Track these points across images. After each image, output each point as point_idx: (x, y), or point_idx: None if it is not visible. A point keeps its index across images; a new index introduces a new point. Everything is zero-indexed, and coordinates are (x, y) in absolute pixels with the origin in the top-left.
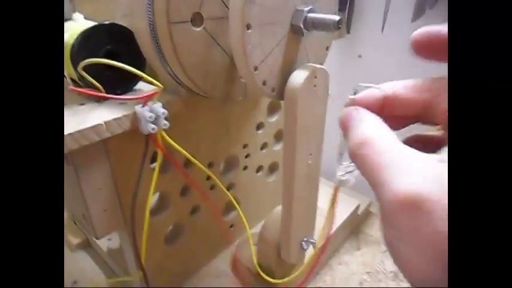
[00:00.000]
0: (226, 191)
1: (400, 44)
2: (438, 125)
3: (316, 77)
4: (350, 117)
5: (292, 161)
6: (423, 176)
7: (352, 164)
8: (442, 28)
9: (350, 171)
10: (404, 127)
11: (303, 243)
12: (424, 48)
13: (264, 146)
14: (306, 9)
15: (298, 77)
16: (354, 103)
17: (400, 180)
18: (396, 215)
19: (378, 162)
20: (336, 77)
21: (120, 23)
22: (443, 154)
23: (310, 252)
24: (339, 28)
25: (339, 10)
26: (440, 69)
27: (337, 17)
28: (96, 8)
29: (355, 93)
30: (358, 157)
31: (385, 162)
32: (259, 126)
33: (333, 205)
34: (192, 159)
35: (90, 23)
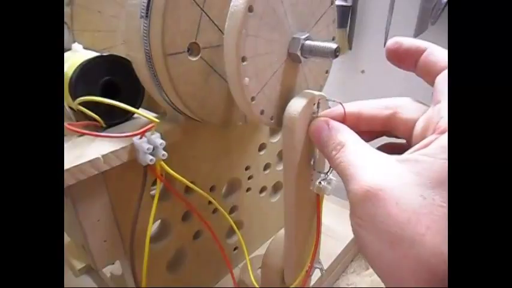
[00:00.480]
0: (226, 215)
1: None
2: (399, 137)
3: (315, 104)
4: (322, 128)
5: (293, 189)
6: (382, 171)
7: (327, 171)
8: (409, 40)
9: (325, 179)
10: (371, 140)
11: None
12: (392, 56)
13: (267, 166)
14: (303, 37)
15: (296, 105)
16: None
17: (364, 175)
18: (359, 204)
19: (349, 161)
20: (339, 93)
21: (120, 51)
22: (403, 156)
23: (317, 276)
24: (337, 56)
25: (340, 26)
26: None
27: (334, 45)
28: (96, 37)
29: (317, 106)
30: (334, 159)
31: (354, 161)
32: (262, 147)
33: (318, 216)
34: (192, 185)
35: (90, 53)
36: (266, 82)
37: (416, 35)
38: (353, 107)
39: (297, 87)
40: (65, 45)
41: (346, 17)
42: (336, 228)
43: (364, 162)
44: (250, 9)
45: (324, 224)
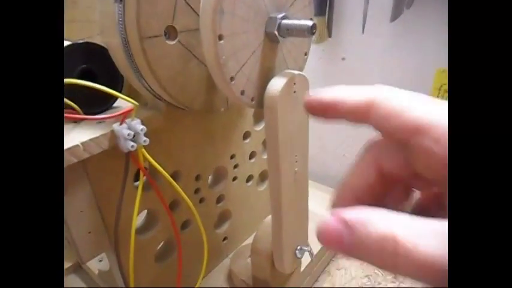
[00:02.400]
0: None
1: (381, 44)
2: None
3: (295, 83)
4: (340, 234)
5: (277, 170)
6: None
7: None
8: (323, 95)
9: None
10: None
11: (297, 251)
12: (310, 109)
13: (252, 155)
14: (280, 16)
15: (276, 84)
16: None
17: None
18: None
19: (419, 259)
20: (321, 80)
21: (97, 41)
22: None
23: (306, 259)
24: (313, 33)
25: (319, 14)
26: (418, 65)
27: (310, 22)
28: (72, 27)
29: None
30: (394, 267)
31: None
32: (246, 136)
33: None
34: (170, 179)
35: (65, 43)
36: (245, 62)
37: (392, 19)
38: (329, 95)
39: (276, 68)
40: None
41: (325, 5)
42: (322, 214)
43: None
44: None
45: (311, 210)
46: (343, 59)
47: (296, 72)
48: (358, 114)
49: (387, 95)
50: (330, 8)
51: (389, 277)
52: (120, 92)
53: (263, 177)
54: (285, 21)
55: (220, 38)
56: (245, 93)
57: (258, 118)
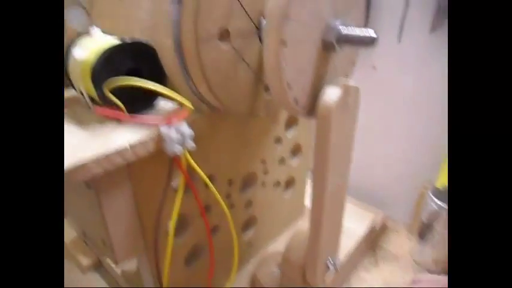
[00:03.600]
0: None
1: (416, 55)
2: None
3: (349, 95)
4: None
5: (323, 181)
6: None
7: None
8: None
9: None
10: None
11: (329, 264)
12: None
13: (281, 161)
14: (338, 23)
15: (332, 94)
16: None
17: None
18: None
19: None
20: None
21: (138, 37)
22: None
23: (331, 273)
24: (375, 44)
25: None
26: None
27: (374, 34)
28: (115, 22)
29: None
30: None
31: None
32: (277, 141)
33: None
34: (209, 183)
35: (109, 39)
36: (302, 70)
37: (432, 30)
38: None
39: (327, 78)
40: (83, 29)
41: None
42: (346, 225)
43: None
44: None
45: None
46: (374, 67)
47: (351, 83)
48: None
49: None
50: (366, 12)
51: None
52: None
53: (288, 184)
54: (345, 31)
55: (283, 44)
56: (298, 102)
57: (289, 124)
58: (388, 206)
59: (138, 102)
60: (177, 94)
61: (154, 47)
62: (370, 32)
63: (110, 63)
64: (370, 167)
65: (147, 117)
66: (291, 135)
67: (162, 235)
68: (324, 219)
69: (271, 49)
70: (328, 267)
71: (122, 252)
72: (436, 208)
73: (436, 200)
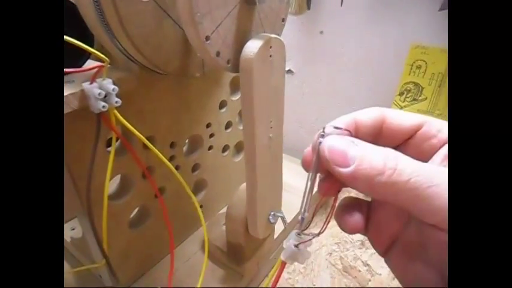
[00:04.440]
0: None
1: (359, 18)
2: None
3: (271, 47)
4: (347, 147)
5: (252, 135)
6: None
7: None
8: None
9: (305, 241)
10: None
11: (270, 217)
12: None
13: (228, 125)
14: None
15: (252, 46)
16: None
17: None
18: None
19: (420, 183)
20: (298, 53)
21: None
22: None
23: (279, 226)
24: None
25: None
26: (394, 40)
27: None
28: None
29: (322, 136)
30: (386, 185)
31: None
32: (222, 105)
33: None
34: (146, 141)
35: None
36: (220, 22)
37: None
38: (348, 118)
39: (253, 32)
40: None
41: None
42: (295, 185)
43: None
44: None
45: (286, 182)
46: (321, 32)
47: (273, 35)
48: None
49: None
50: None
51: (357, 243)
52: (89, 53)
53: (239, 148)
54: None
55: None
56: (221, 55)
57: (234, 88)
58: None
59: (66, 62)
60: (88, 47)
61: (75, 4)
62: None
63: None
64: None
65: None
66: (237, 98)
67: (99, 198)
68: (258, 173)
69: (183, 1)
70: (270, 222)
71: None
72: None
73: None
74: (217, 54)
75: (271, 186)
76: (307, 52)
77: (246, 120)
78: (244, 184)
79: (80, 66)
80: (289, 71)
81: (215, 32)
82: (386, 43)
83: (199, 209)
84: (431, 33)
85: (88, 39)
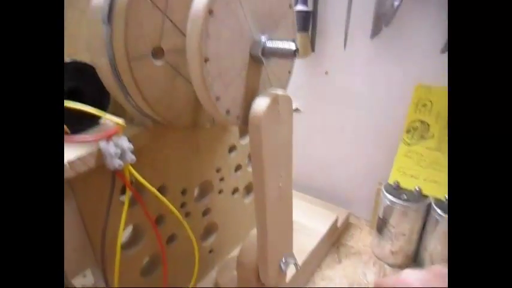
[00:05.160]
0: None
1: (363, 59)
2: None
3: (279, 103)
4: None
5: (262, 186)
6: None
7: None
8: None
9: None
10: None
11: (282, 264)
12: None
13: (238, 167)
14: (264, 38)
15: (261, 104)
16: None
17: None
18: None
19: None
20: (304, 93)
21: (83, 56)
22: None
23: (292, 270)
24: (296, 56)
25: (303, 30)
26: (398, 80)
27: (293, 46)
28: None
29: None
30: None
31: None
32: (232, 149)
33: None
34: (158, 193)
35: None
36: (230, 83)
37: (372, 36)
38: None
39: (261, 87)
40: None
41: (308, 21)
42: (306, 224)
43: None
44: (210, 12)
45: (296, 220)
46: (326, 73)
47: (280, 91)
48: None
49: None
50: (313, 24)
51: (372, 285)
52: (106, 108)
53: (249, 189)
54: (269, 45)
55: (206, 60)
56: (230, 113)
57: (243, 132)
58: (351, 204)
59: (83, 120)
60: (104, 113)
61: (94, 66)
62: (290, 45)
63: None
64: (330, 168)
65: (84, 136)
66: (246, 141)
67: (112, 248)
68: (269, 222)
69: (195, 67)
70: (281, 269)
71: (71, 267)
72: (389, 203)
73: (388, 195)
74: (227, 112)
75: (282, 233)
76: (313, 91)
77: (255, 172)
78: (255, 230)
79: (98, 122)
80: (297, 110)
81: (225, 93)
82: (391, 82)
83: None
84: (435, 74)
85: (105, 96)
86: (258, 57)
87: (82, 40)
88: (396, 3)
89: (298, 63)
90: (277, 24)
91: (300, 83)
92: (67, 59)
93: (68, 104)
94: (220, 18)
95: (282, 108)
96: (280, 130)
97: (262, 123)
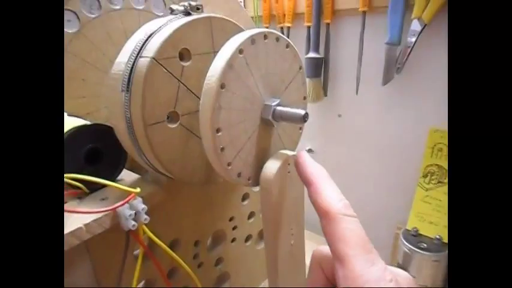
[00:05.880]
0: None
1: (375, 103)
2: None
3: (289, 164)
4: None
5: (274, 245)
6: None
7: None
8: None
9: None
10: None
11: None
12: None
13: (251, 215)
14: (274, 103)
15: (271, 167)
16: None
17: None
18: None
19: None
20: (318, 134)
21: (103, 115)
22: None
23: None
24: (306, 121)
25: (315, 76)
26: (411, 124)
27: (302, 112)
28: (79, 103)
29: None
30: None
31: None
32: (245, 198)
33: None
34: (168, 250)
35: (74, 120)
36: (241, 147)
37: (384, 83)
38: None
39: (272, 147)
40: None
41: (320, 67)
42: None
43: None
44: (222, 86)
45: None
46: (339, 115)
47: (290, 153)
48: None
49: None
50: (325, 70)
51: None
52: (123, 164)
53: (262, 235)
54: (279, 109)
55: (217, 131)
56: (242, 175)
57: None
58: None
59: (100, 177)
60: (117, 184)
61: (113, 128)
62: (299, 111)
63: (70, 143)
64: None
65: (101, 209)
66: (258, 189)
67: None
68: (280, 280)
69: (207, 137)
70: None
71: None
72: (408, 251)
73: (406, 243)
74: (239, 175)
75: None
76: (326, 133)
77: (266, 233)
78: (267, 281)
79: (117, 175)
80: (310, 150)
81: (236, 157)
82: (404, 126)
83: None
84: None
85: (122, 154)
86: (269, 121)
87: (103, 99)
88: (407, 51)
89: (311, 106)
90: (287, 87)
91: (314, 125)
92: (87, 118)
93: (80, 176)
94: (232, 90)
95: (293, 168)
96: (291, 190)
97: (273, 187)
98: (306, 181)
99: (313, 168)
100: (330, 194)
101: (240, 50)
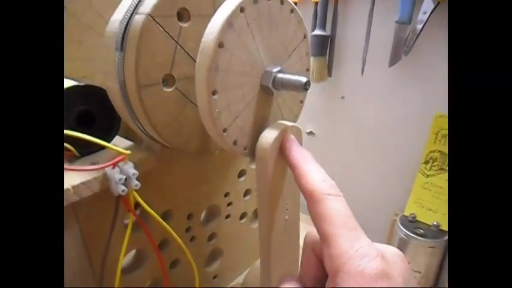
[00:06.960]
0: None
1: (380, 86)
2: None
3: (288, 135)
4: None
5: (268, 219)
6: None
7: None
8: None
9: None
10: None
11: None
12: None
13: (247, 192)
14: (275, 70)
15: (268, 137)
16: None
17: None
18: None
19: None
20: (319, 116)
21: (98, 80)
22: None
23: None
24: (307, 89)
25: (320, 54)
26: (416, 109)
27: (304, 79)
28: (75, 66)
29: None
30: None
31: None
32: (241, 174)
33: None
34: (160, 220)
35: (68, 82)
36: (238, 114)
37: (391, 64)
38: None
39: (271, 118)
40: None
41: (326, 45)
42: None
43: None
44: (220, 44)
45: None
46: (342, 97)
47: (289, 123)
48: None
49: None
50: (331, 48)
51: None
52: (117, 130)
53: (257, 215)
54: (279, 76)
55: (214, 93)
56: (238, 143)
57: (254, 155)
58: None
59: (90, 143)
60: (109, 144)
61: (106, 90)
62: (301, 78)
63: None
64: (343, 193)
65: (89, 166)
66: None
67: (113, 272)
68: (273, 256)
69: (202, 99)
70: None
71: None
72: (404, 237)
73: (403, 228)
74: (235, 143)
75: (287, 266)
76: (328, 115)
77: (260, 205)
78: (259, 261)
79: (109, 142)
80: (311, 133)
81: (233, 124)
82: (409, 110)
83: None
84: None
85: (115, 118)
86: (268, 88)
87: (98, 63)
88: (416, 31)
89: (314, 86)
90: (289, 55)
91: (316, 107)
92: (82, 81)
93: (73, 133)
94: (231, 50)
95: None
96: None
97: (269, 157)
98: (290, 165)
99: (298, 151)
100: (314, 175)
101: (241, 8)
